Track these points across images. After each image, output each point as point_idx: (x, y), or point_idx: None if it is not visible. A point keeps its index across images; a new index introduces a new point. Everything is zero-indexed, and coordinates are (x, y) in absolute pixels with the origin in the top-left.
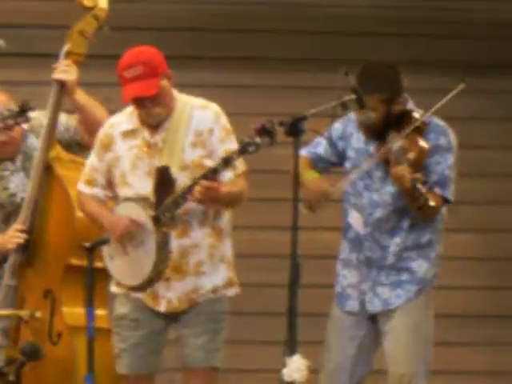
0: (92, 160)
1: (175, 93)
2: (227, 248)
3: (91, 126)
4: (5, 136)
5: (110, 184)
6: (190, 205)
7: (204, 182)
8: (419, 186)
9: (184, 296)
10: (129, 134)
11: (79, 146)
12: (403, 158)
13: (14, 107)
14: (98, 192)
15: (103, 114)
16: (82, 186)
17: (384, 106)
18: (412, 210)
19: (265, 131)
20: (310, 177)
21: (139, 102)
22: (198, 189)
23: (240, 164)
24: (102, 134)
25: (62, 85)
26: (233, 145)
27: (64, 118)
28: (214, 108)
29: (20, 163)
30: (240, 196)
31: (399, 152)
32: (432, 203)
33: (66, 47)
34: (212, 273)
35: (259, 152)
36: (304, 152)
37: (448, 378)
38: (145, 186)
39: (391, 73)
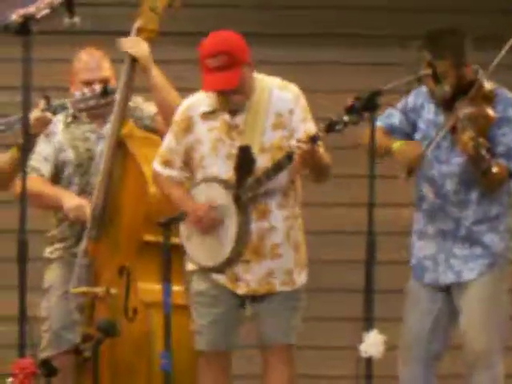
0: (169, 141)
1: (254, 73)
2: (299, 230)
3: (163, 108)
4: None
5: (186, 166)
6: (271, 186)
7: (303, 145)
8: (483, 151)
9: (263, 279)
10: (209, 115)
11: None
12: (470, 125)
13: (97, 88)
14: (176, 173)
15: (175, 99)
16: (158, 167)
17: (454, 71)
18: (477, 177)
19: (352, 109)
20: (399, 145)
21: (220, 91)
22: (298, 153)
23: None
24: (179, 116)
25: (134, 60)
26: (312, 124)
27: (152, 108)
28: (293, 88)
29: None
30: (329, 168)
31: (466, 119)
32: (495, 169)
33: (138, 23)
34: (286, 255)
35: None
36: (380, 123)
37: None
38: (225, 168)
39: (455, 37)
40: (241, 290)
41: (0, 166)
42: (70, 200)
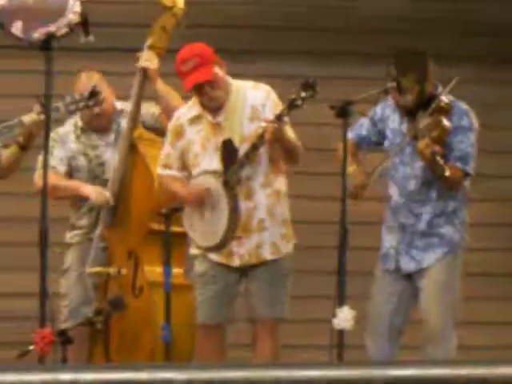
0: (166, 148)
1: (229, 79)
2: (285, 207)
3: (168, 112)
4: (98, 109)
5: (184, 166)
6: (253, 170)
7: (271, 124)
8: (438, 157)
9: (253, 251)
10: (194, 119)
11: (157, 132)
12: (427, 134)
13: (85, 92)
14: (175, 173)
15: (179, 103)
16: (160, 170)
17: (417, 86)
18: (435, 179)
19: (307, 85)
20: (350, 170)
21: (200, 90)
22: (267, 130)
23: (292, 133)
24: (172, 126)
25: (145, 72)
26: None
27: (153, 109)
28: (264, 87)
29: (113, 140)
30: (298, 147)
31: (424, 129)
32: (447, 173)
33: (149, 41)
34: (271, 228)
35: (312, 129)
36: (350, 135)
37: (474, 328)
38: (214, 161)
39: (419, 57)
40: (235, 262)
41: (2, 161)
42: (88, 187)
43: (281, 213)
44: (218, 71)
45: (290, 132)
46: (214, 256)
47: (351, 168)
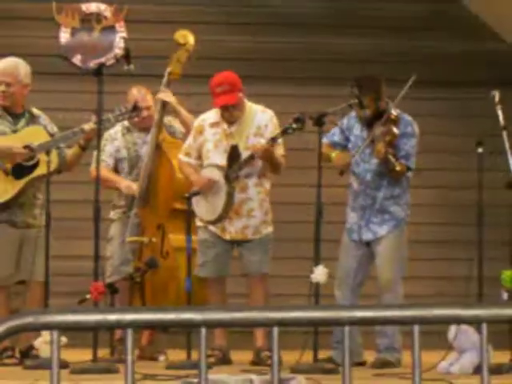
0: (190, 140)
1: (245, 100)
2: (267, 202)
3: (187, 130)
4: (146, 112)
5: (199, 157)
6: (249, 171)
7: (264, 145)
8: (390, 156)
9: (239, 230)
10: (214, 124)
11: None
12: (381, 139)
13: (129, 105)
14: (192, 161)
15: (189, 119)
16: (181, 156)
17: (373, 103)
18: (387, 172)
19: (298, 120)
20: (335, 155)
21: (225, 107)
22: (260, 149)
23: (281, 150)
24: (196, 124)
25: (164, 102)
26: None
27: (181, 127)
28: (269, 112)
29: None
30: (280, 165)
31: (379, 135)
32: (398, 168)
33: (168, 69)
34: (258, 216)
35: (296, 135)
36: (326, 140)
37: (413, 281)
38: (221, 159)
39: (375, 81)
40: (226, 236)
41: (67, 158)
42: (123, 182)
43: (266, 205)
44: (241, 96)
45: (279, 150)
46: (213, 228)
47: (334, 154)
